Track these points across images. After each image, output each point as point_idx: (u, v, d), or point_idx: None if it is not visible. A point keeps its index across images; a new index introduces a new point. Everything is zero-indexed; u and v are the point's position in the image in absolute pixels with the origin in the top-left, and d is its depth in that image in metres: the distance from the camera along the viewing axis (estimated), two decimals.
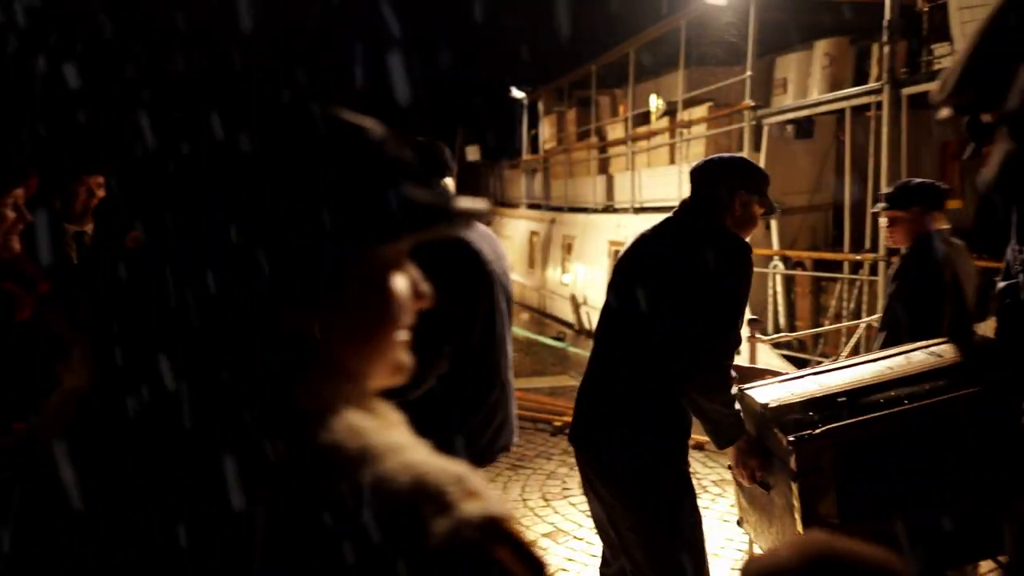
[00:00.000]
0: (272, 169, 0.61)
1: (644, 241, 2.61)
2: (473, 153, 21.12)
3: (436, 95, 24.84)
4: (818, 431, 2.30)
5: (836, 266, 7.37)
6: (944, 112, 1.27)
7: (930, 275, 3.04)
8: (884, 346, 3.01)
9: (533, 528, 4.77)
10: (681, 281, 2.40)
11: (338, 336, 0.64)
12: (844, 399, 2.39)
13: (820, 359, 6.61)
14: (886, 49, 6.28)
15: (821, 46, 9.73)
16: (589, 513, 5.01)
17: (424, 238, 0.70)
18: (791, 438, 2.28)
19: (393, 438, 0.62)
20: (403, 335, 0.72)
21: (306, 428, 0.59)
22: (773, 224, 8.45)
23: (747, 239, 2.54)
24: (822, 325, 7.40)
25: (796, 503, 2.30)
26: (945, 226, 3.38)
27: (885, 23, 6.25)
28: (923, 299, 3.00)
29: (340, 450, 0.58)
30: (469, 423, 2.62)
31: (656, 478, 2.42)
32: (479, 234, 2.70)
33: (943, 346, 2.55)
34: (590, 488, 2.63)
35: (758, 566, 0.69)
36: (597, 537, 4.63)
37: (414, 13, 26.22)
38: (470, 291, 2.56)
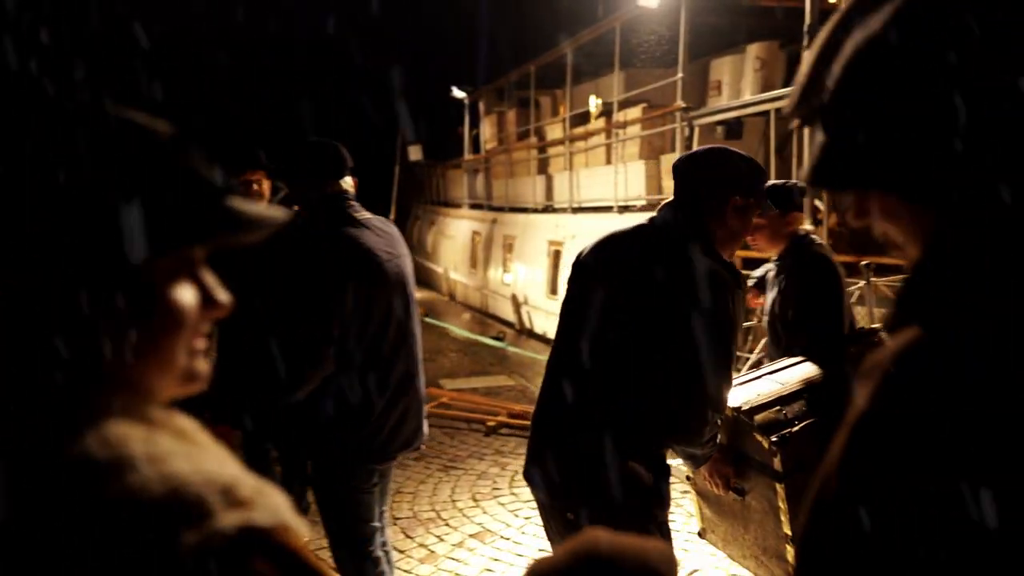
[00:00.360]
0: (21, 179, 0.58)
1: (611, 248, 2.19)
2: (416, 153, 20.99)
3: (377, 95, 24.65)
4: (797, 428, 2.26)
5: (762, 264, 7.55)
6: (795, 123, 1.30)
7: (821, 274, 2.91)
8: (779, 350, 2.94)
9: (460, 529, 4.76)
10: (655, 308, 1.99)
11: (122, 348, 0.62)
12: (808, 394, 2.38)
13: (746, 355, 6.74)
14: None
15: (753, 49, 9.97)
16: (518, 513, 5.10)
17: (213, 247, 0.68)
18: (774, 439, 2.22)
19: (160, 447, 0.60)
20: (198, 343, 0.70)
21: (60, 442, 0.57)
22: None
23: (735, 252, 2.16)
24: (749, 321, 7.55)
25: (782, 504, 2.24)
26: (808, 227, 3.29)
27: (805, 28, 6.41)
28: (817, 300, 2.85)
29: (87, 463, 0.56)
30: (362, 422, 2.59)
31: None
32: (373, 232, 2.68)
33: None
34: (557, 533, 2.18)
35: (534, 568, 0.69)
36: (524, 537, 4.67)
37: (357, 13, 25.94)
38: (356, 290, 2.52)
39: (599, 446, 1.95)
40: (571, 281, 2.28)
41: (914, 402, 0.68)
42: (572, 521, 2.04)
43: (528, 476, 2.20)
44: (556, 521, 2.16)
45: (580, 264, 2.24)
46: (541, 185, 13.34)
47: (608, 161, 10.82)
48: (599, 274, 2.15)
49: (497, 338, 11.77)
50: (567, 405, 2.08)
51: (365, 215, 2.70)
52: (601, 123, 11.40)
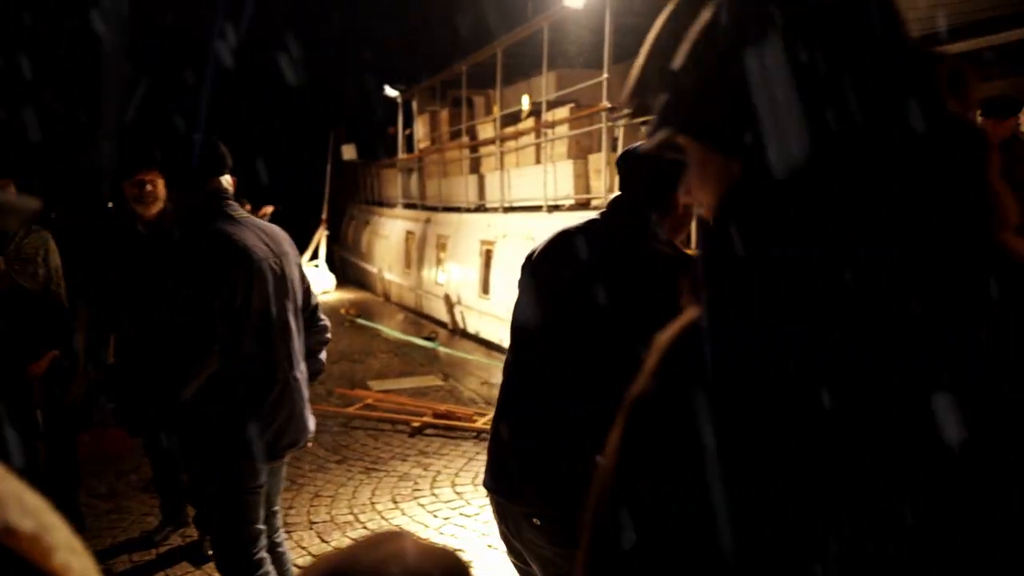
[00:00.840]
0: None
1: (563, 245, 2.14)
2: (349, 152, 20.72)
3: (310, 93, 24.21)
4: None
5: None
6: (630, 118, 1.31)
7: None
8: None
9: (377, 532, 4.71)
10: (614, 304, 1.92)
11: None
12: None
13: None
14: None
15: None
16: (436, 514, 5.06)
17: None
18: None
19: None
20: None
21: None
22: None
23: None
24: None
25: None
26: None
27: None
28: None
29: None
30: (247, 419, 2.55)
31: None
32: (251, 230, 2.63)
33: None
34: (514, 538, 2.08)
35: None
36: (441, 537, 4.64)
37: (290, 9, 25.45)
38: (233, 286, 2.48)
39: (578, 447, 1.74)
40: (526, 282, 2.21)
41: (676, 383, 0.68)
42: (538, 526, 1.97)
43: (495, 482, 2.10)
44: (515, 521, 2.05)
45: (534, 264, 2.19)
46: (473, 185, 13.33)
47: (538, 161, 10.87)
48: (554, 274, 2.12)
49: (429, 338, 11.70)
50: (535, 407, 2.03)
51: (242, 213, 2.65)
52: (531, 123, 11.45)
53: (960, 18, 5.42)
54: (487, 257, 12.20)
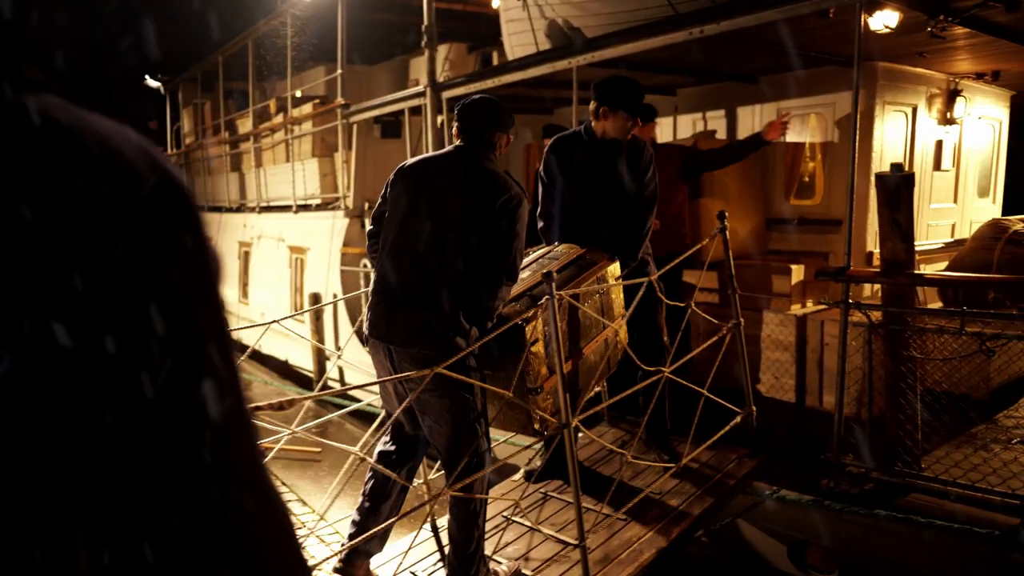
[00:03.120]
0: None
1: (429, 163, 3.02)
2: None
3: (71, 80, 22.00)
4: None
5: None
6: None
7: None
8: None
9: None
10: (482, 217, 2.83)
11: None
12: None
13: None
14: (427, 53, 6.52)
15: (443, 50, 10.09)
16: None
17: None
18: (519, 321, 3.09)
19: None
20: None
21: None
22: (367, 222, 8.52)
23: None
24: None
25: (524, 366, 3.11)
26: None
27: (423, 28, 6.48)
28: None
29: None
30: None
31: (455, 368, 2.74)
32: None
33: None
34: (390, 377, 2.90)
35: None
36: None
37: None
38: None
39: (439, 301, 2.79)
40: (395, 187, 3.00)
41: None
42: (416, 356, 2.83)
43: (375, 332, 2.92)
44: (404, 363, 2.87)
45: (405, 172, 3.02)
46: (235, 183, 12.64)
47: (288, 159, 10.44)
48: (422, 180, 2.95)
49: None
50: (409, 277, 2.86)
51: None
52: (281, 119, 10.97)
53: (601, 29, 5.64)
54: (245, 260, 11.59)
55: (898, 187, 3.57)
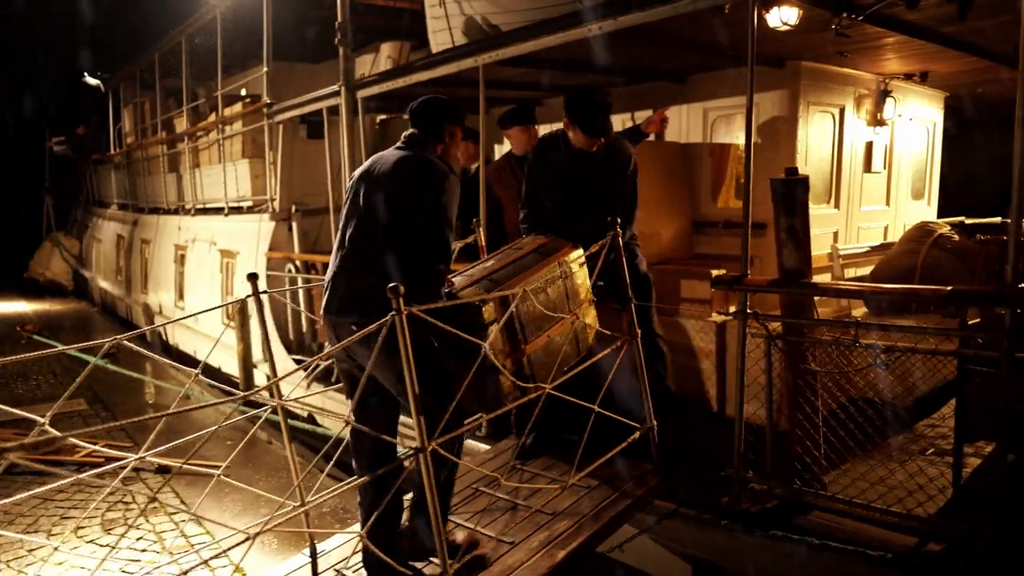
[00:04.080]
0: None
1: (374, 162, 3.29)
2: (64, 148, 18.53)
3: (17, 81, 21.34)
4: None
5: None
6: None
7: None
8: None
9: None
10: (406, 199, 3.11)
11: None
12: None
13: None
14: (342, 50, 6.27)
15: (385, 48, 9.83)
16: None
17: None
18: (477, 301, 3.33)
19: None
20: None
21: None
22: (295, 226, 8.24)
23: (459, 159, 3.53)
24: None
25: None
26: None
27: (337, 24, 6.23)
28: None
29: None
30: None
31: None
32: None
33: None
34: (347, 353, 3.15)
35: None
36: None
37: None
38: None
39: (376, 277, 2.95)
40: (352, 181, 3.32)
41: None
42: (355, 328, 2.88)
43: (325, 309, 3.20)
44: (343, 331, 3.07)
45: (360, 169, 3.33)
46: (173, 184, 12.25)
47: (220, 160, 10.11)
48: (365, 173, 3.26)
49: (110, 354, 10.54)
50: (358, 259, 3.14)
51: None
52: (214, 119, 10.63)
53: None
54: (182, 263, 11.23)
55: (792, 191, 3.40)
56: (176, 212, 11.97)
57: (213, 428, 3.14)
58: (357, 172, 3.31)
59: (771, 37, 4.77)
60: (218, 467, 6.42)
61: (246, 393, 2.75)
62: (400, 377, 2.78)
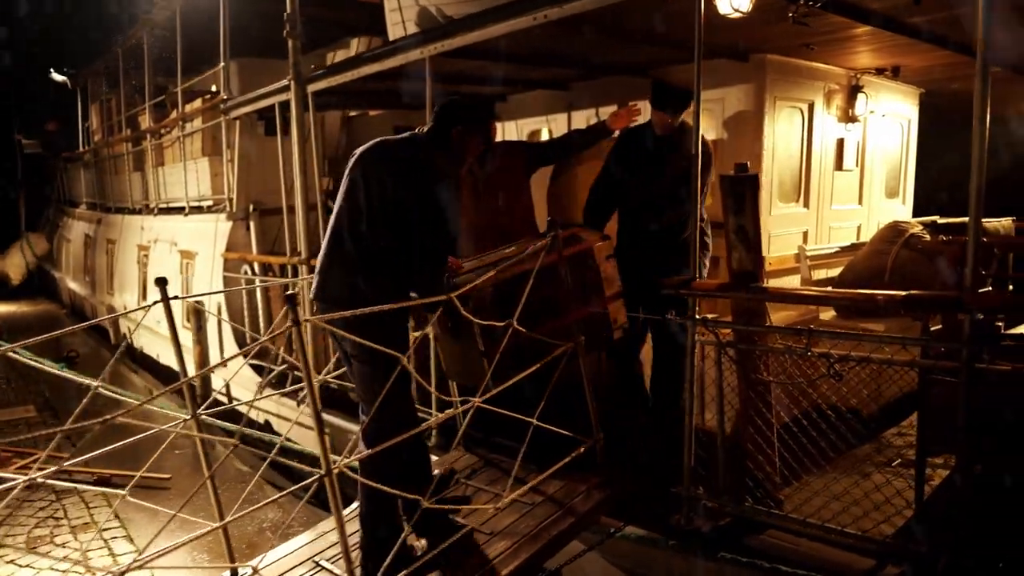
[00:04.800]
0: None
1: (385, 146, 3.32)
2: (32, 144, 18.15)
3: None
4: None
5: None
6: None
7: None
8: None
9: None
10: (412, 186, 3.16)
11: None
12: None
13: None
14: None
15: (355, 44, 9.61)
16: None
17: None
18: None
19: None
20: None
21: None
22: (253, 226, 7.97)
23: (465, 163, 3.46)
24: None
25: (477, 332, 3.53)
26: None
27: (285, 16, 5.98)
28: None
29: None
30: None
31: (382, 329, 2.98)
32: None
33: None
34: (337, 340, 3.29)
35: None
36: None
37: None
38: None
39: (367, 269, 3.12)
40: (349, 166, 3.28)
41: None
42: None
43: (314, 293, 3.25)
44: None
45: (357, 154, 3.31)
46: (138, 183, 11.93)
47: (182, 158, 9.82)
48: (376, 164, 3.24)
49: (68, 357, 10.23)
50: (352, 251, 3.15)
51: None
52: (175, 115, 10.33)
53: None
54: (145, 263, 10.93)
55: (741, 190, 3.18)
56: (140, 212, 11.66)
57: (142, 435, 2.91)
58: (357, 153, 3.31)
59: (729, 27, 4.55)
60: (165, 478, 6.07)
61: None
62: (360, 374, 3.17)
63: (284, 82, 6.24)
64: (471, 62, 5.78)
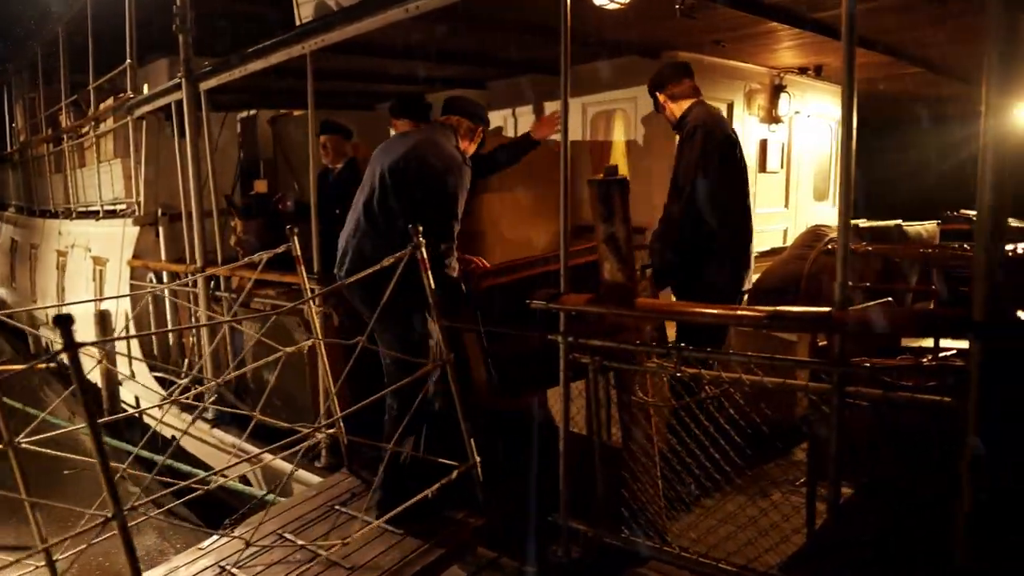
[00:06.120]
0: None
1: (394, 141, 3.79)
2: None
3: None
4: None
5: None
6: None
7: None
8: None
9: None
10: (418, 180, 3.54)
11: None
12: None
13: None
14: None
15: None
16: None
17: None
18: None
19: None
20: None
21: None
22: (162, 231, 7.57)
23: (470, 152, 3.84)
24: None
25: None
26: None
27: (174, 9, 5.63)
28: None
29: None
30: None
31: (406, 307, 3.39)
32: None
33: None
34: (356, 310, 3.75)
35: None
36: None
37: None
38: None
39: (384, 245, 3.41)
40: (377, 157, 3.77)
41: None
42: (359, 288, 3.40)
43: (340, 267, 3.69)
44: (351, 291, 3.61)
45: (380, 146, 3.85)
46: (60, 185, 11.41)
47: (98, 160, 9.37)
48: (385, 150, 3.76)
49: None
50: (370, 237, 3.61)
51: None
52: (109, 120, 9.85)
53: None
54: (63, 270, 10.44)
55: (610, 194, 2.92)
56: (58, 216, 11.16)
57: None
58: (380, 147, 3.82)
59: (627, 23, 4.33)
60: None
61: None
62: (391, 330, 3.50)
63: (176, 80, 5.88)
64: (374, 59, 5.49)
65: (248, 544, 2.92)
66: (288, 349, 3.86)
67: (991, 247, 1.99)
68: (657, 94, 4.26)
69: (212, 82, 5.47)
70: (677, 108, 4.21)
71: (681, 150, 4.07)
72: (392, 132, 4.89)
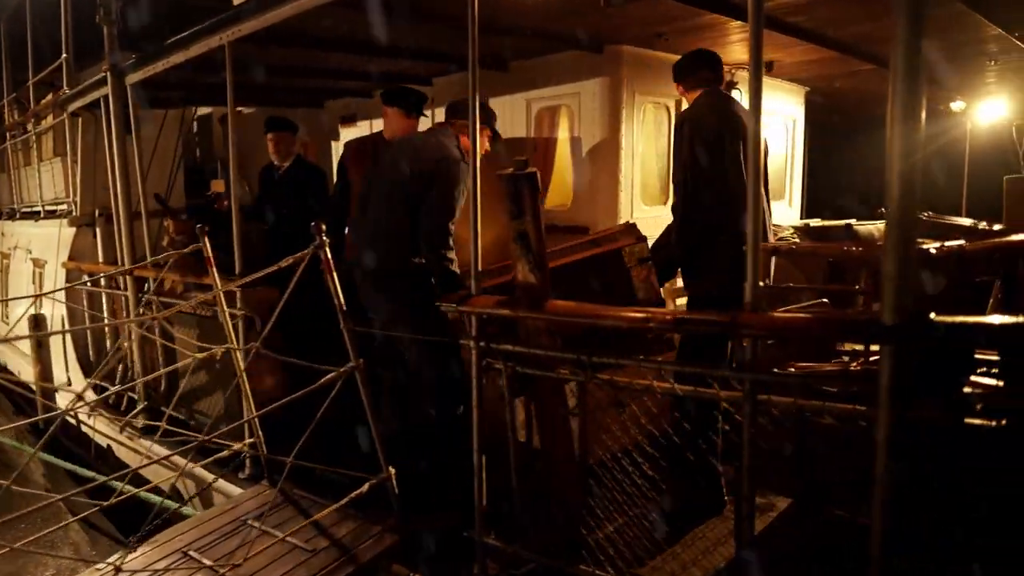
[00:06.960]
0: None
1: (403, 143, 4.07)
2: None
3: None
4: None
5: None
6: None
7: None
8: None
9: None
10: (417, 182, 3.81)
11: None
12: None
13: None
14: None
15: None
16: None
17: None
18: None
19: None
20: None
21: None
22: (99, 232, 7.30)
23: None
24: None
25: None
26: None
27: (98, 0, 5.39)
28: None
29: None
30: None
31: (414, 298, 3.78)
32: None
33: None
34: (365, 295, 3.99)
35: None
36: None
37: None
38: None
39: (395, 245, 3.85)
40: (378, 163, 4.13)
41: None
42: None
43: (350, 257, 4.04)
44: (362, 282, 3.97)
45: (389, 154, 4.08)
46: (5, 184, 11.05)
47: (40, 158, 9.06)
48: (388, 150, 4.12)
49: None
50: (377, 227, 3.93)
51: None
52: (48, 118, 9.53)
53: None
54: (6, 273, 10.09)
55: (519, 190, 2.75)
56: (1, 216, 10.80)
57: None
58: (394, 145, 4.10)
59: (552, 15, 4.18)
60: None
61: None
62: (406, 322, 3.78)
63: (102, 75, 5.63)
64: (313, 53, 5.29)
65: (118, 571, 2.71)
66: (199, 355, 3.66)
67: (900, 246, 1.83)
68: (678, 87, 4.15)
69: (137, 75, 5.23)
70: (690, 100, 4.05)
71: (675, 145, 3.93)
72: (383, 120, 4.72)
